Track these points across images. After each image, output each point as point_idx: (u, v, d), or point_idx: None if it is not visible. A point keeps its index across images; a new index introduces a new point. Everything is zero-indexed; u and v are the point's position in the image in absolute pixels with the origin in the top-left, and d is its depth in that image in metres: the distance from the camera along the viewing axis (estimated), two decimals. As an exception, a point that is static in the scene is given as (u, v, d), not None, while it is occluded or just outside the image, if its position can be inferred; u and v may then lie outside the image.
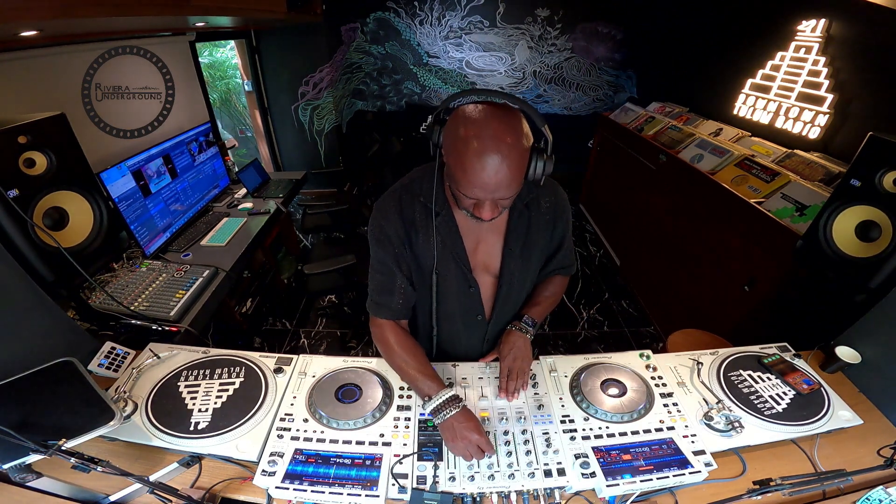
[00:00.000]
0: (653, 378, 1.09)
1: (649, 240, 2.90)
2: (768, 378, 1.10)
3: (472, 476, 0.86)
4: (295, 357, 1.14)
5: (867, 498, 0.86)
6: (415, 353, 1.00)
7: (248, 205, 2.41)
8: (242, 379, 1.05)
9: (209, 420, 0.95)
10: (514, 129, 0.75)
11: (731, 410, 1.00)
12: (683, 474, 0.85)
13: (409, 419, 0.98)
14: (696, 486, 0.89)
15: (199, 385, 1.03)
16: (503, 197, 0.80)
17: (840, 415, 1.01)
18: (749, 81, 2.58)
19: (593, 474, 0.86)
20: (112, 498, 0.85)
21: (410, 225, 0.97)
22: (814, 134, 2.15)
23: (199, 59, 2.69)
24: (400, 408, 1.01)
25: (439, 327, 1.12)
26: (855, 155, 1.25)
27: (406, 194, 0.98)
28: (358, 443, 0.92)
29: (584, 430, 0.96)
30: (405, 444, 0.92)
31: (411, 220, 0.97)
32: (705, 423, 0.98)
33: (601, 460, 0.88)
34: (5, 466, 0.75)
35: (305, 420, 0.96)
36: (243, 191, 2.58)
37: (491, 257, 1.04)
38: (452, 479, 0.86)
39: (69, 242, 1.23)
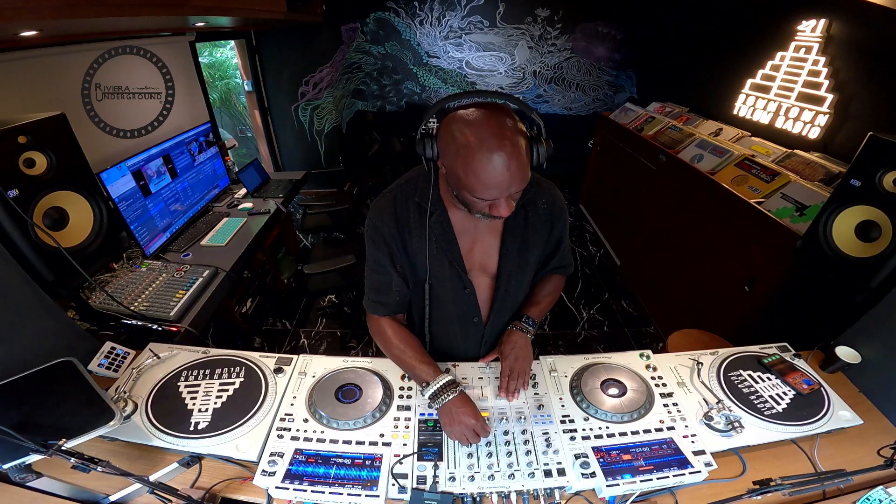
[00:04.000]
0: (653, 378, 1.09)
1: (649, 240, 2.90)
2: (768, 378, 1.10)
3: (472, 476, 0.86)
4: (295, 357, 1.14)
5: (867, 498, 0.86)
6: (411, 343, 1.04)
7: (248, 205, 2.41)
8: (242, 379, 1.05)
9: (209, 420, 0.95)
10: (508, 121, 0.75)
11: (731, 410, 1.00)
12: (683, 474, 0.85)
13: (409, 419, 0.98)
14: (696, 486, 0.89)
15: (199, 385, 1.03)
16: (518, 190, 0.80)
17: (840, 415, 1.01)
18: (749, 81, 2.58)
19: (593, 474, 0.86)
20: (112, 498, 0.85)
21: (404, 225, 0.98)
22: (814, 134, 2.15)
23: (199, 59, 2.69)
24: (400, 408, 1.01)
25: (435, 329, 1.12)
26: (855, 155, 1.25)
27: (401, 194, 0.98)
28: (358, 443, 0.92)
29: (584, 430, 0.96)
30: (405, 444, 0.92)
31: (405, 221, 0.98)
32: (705, 423, 0.98)
33: (601, 460, 0.88)
34: (5, 466, 0.75)
35: (305, 420, 0.96)
36: (243, 191, 2.58)
37: (488, 258, 1.04)
38: (452, 479, 0.86)
39: (69, 242, 1.23)
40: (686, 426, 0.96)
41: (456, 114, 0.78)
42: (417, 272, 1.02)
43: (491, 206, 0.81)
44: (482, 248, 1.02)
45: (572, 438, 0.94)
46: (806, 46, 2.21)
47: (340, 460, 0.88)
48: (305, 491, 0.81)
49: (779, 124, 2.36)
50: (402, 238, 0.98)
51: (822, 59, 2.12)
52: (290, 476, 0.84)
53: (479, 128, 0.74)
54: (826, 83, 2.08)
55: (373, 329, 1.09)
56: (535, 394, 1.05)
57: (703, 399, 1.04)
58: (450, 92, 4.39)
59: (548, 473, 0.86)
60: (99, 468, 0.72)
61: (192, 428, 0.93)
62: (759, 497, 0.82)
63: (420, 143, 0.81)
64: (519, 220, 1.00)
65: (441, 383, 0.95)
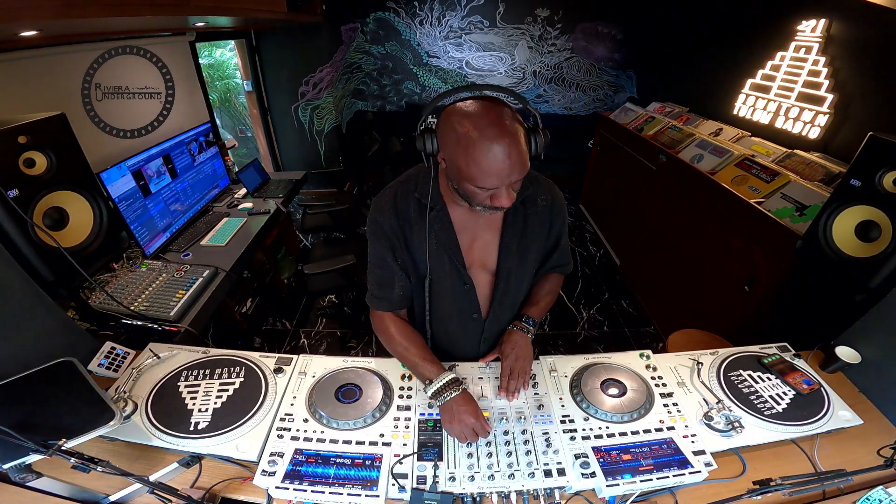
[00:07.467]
0: (653, 378, 1.09)
1: (649, 240, 2.90)
2: (768, 378, 1.10)
3: (472, 476, 0.86)
4: (295, 357, 1.14)
5: (867, 498, 0.86)
6: (414, 340, 1.05)
7: (248, 205, 2.41)
8: (242, 379, 1.05)
9: (209, 420, 0.95)
10: (506, 112, 0.77)
11: (731, 410, 1.00)
12: (683, 474, 0.85)
13: (409, 419, 0.98)
14: (696, 486, 0.89)
15: (199, 385, 1.03)
16: (518, 179, 0.81)
17: (840, 415, 1.01)
18: (749, 81, 2.58)
19: (593, 474, 0.86)
20: (112, 498, 0.85)
21: (405, 220, 0.99)
22: (814, 134, 2.15)
23: (199, 59, 2.69)
24: (400, 408, 1.01)
25: (435, 325, 1.13)
26: (855, 155, 1.25)
27: (402, 190, 1.00)
28: (358, 443, 0.92)
29: (584, 430, 0.96)
30: (405, 444, 0.92)
31: (405, 216, 0.99)
32: (705, 423, 0.98)
33: (601, 460, 0.88)
34: (5, 466, 0.75)
35: (305, 420, 0.96)
36: (243, 191, 2.58)
37: (487, 254, 1.04)
38: (452, 479, 0.86)
39: (69, 242, 1.23)
40: (686, 426, 0.96)
41: (455, 107, 0.79)
42: (418, 268, 1.03)
43: (492, 196, 0.83)
44: (482, 244, 1.03)
45: (572, 438, 0.94)
46: (806, 46, 2.21)
47: (340, 460, 0.88)
48: (305, 491, 0.81)
49: (779, 124, 2.36)
50: (402, 232, 1.00)
51: (822, 59, 2.12)
52: (289, 476, 0.84)
53: (479, 118, 0.75)
54: (826, 83, 2.08)
55: (376, 325, 1.09)
56: (535, 394, 1.05)
57: (703, 399, 1.04)
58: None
59: (548, 473, 0.86)
60: (99, 468, 0.72)
61: (192, 428, 0.93)
62: (759, 497, 0.82)
63: (420, 138, 0.82)
64: (518, 216, 1.00)
65: (444, 381, 0.96)
